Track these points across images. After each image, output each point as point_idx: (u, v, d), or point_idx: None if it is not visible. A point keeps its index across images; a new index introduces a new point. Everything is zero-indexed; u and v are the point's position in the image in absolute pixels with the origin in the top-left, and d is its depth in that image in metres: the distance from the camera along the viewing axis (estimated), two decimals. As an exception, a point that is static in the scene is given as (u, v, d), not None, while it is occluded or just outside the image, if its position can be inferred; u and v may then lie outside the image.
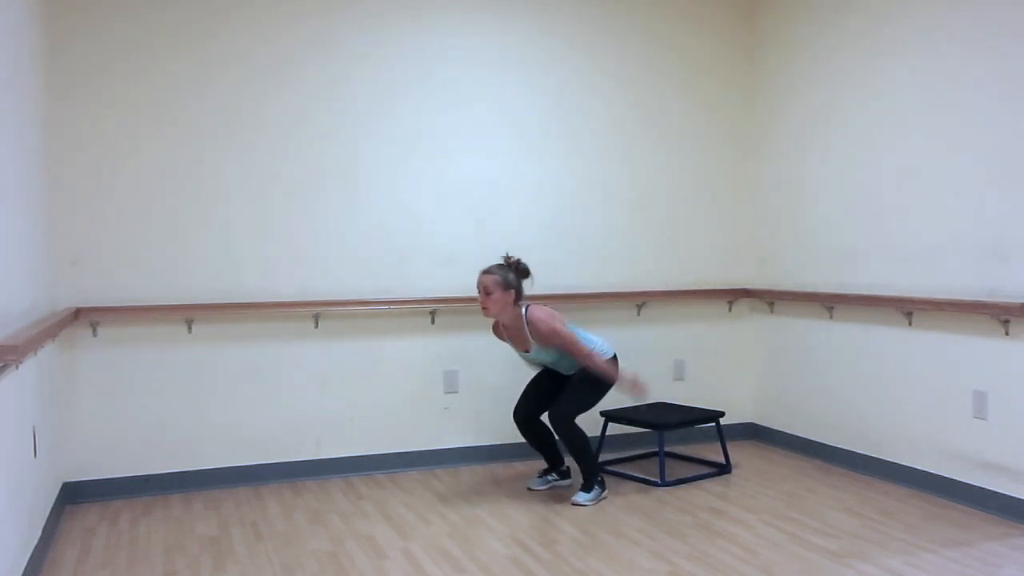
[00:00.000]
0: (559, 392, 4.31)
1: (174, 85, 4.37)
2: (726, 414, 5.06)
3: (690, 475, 4.56)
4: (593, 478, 4.17)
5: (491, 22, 4.90)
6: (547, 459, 4.43)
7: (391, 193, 4.74)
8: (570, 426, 4.12)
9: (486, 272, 4.16)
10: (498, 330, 4.37)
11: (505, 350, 4.95)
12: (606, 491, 4.22)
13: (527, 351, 4.24)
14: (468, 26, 4.86)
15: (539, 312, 4.14)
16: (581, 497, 4.12)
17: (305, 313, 4.58)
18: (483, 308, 4.17)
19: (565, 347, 4.11)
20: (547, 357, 4.25)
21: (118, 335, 4.30)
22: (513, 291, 4.16)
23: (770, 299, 5.23)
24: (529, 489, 4.35)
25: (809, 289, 4.98)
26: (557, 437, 4.23)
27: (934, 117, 4.17)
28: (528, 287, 4.29)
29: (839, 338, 4.77)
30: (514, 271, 4.20)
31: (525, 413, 4.37)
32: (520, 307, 4.19)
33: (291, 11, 4.54)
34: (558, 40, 5.03)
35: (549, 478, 4.42)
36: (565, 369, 4.34)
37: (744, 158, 5.44)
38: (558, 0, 5.02)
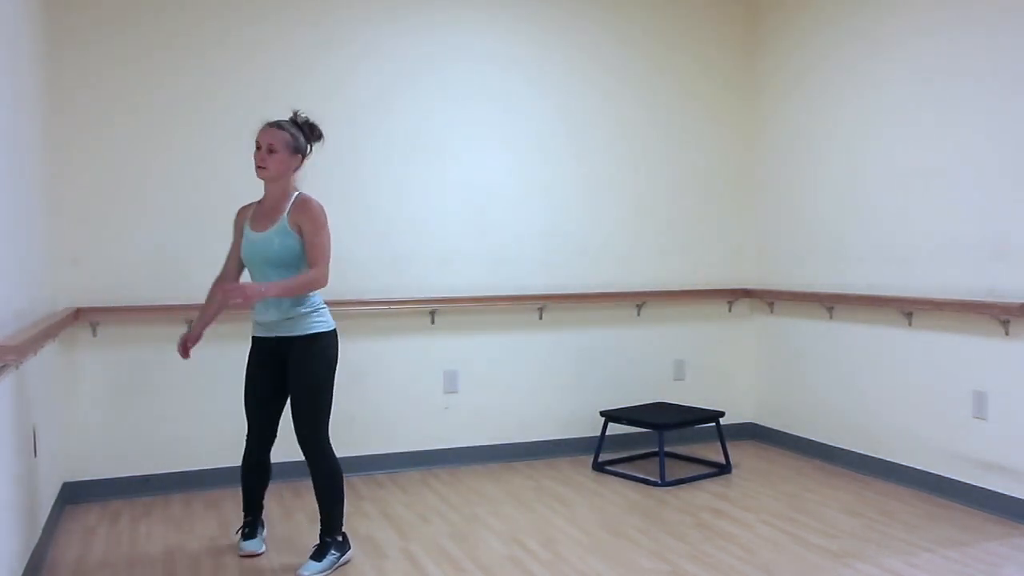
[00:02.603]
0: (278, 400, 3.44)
1: (174, 85, 4.36)
2: (726, 414, 5.07)
3: (690, 475, 4.56)
4: (333, 537, 3.32)
5: (492, 21, 4.90)
6: (257, 506, 3.59)
7: (391, 193, 4.74)
8: (326, 451, 3.36)
9: (275, 125, 3.33)
10: (241, 215, 3.53)
11: (506, 350, 4.95)
12: (348, 552, 3.38)
13: (263, 231, 3.35)
14: (469, 25, 4.86)
15: (317, 201, 3.40)
16: (309, 569, 3.23)
17: (305, 313, 4.57)
18: (259, 168, 3.31)
19: (318, 246, 3.35)
20: (270, 250, 3.33)
21: (118, 335, 4.30)
22: (300, 158, 3.39)
23: (770, 299, 5.23)
24: (244, 556, 3.48)
25: (809, 289, 4.98)
26: (311, 469, 3.38)
27: (935, 117, 4.17)
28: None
29: (839, 338, 4.77)
30: (306, 133, 3.41)
31: (260, 452, 3.54)
32: (295, 184, 3.42)
33: (291, 12, 4.54)
34: (559, 39, 5.03)
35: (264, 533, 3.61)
36: (273, 299, 3.32)
37: (744, 158, 5.44)
38: None
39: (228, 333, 4.47)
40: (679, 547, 3.51)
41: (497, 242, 4.93)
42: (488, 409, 4.94)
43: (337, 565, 3.31)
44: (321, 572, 3.24)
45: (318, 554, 3.29)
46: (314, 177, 4.59)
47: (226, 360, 4.47)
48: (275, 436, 3.52)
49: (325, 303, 3.55)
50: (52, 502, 3.81)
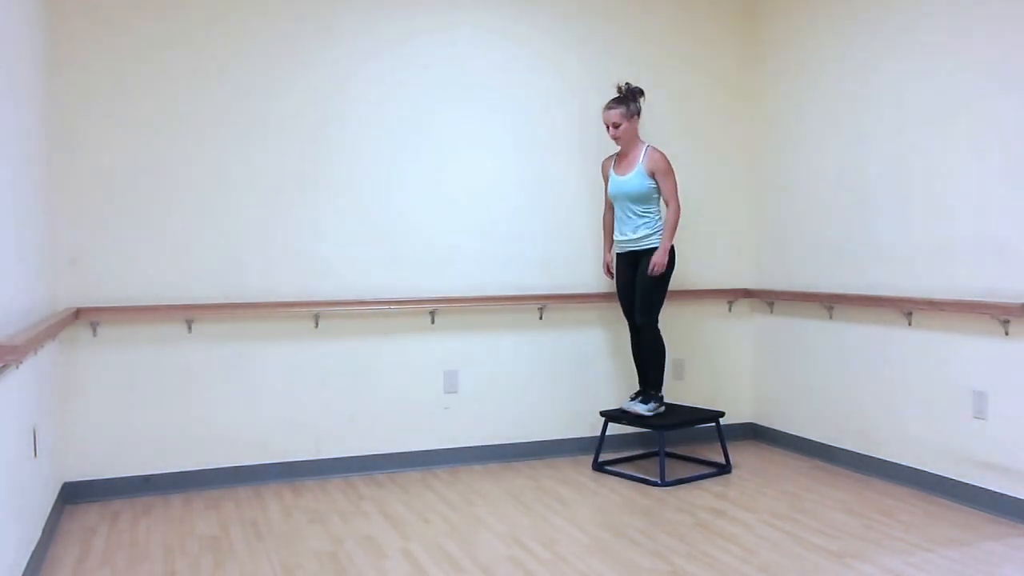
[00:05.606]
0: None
1: (174, 85, 4.36)
2: (726, 414, 5.07)
3: (690, 475, 4.56)
4: (656, 391, 4.65)
5: (493, 22, 4.90)
6: (641, 375, 4.78)
7: (391, 193, 4.74)
8: (655, 332, 4.62)
9: (608, 107, 4.59)
10: (605, 165, 4.79)
11: (506, 350, 4.96)
12: (662, 408, 4.65)
13: (624, 175, 4.60)
14: (469, 25, 4.86)
15: (662, 152, 4.60)
16: (637, 407, 4.58)
17: (305, 313, 4.58)
18: (614, 139, 4.63)
19: (668, 188, 4.54)
20: (632, 189, 4.57)
21: (118, 335, 4.30)
22: (637, 117, 4.62)
23: (770, 299, 5.23)
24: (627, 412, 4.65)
25: (809, 289, 4.98)
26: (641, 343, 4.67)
27: (935, 117, 4.17)
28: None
29: (839, 338, 4.77)
30: (631, 97, 4.59)
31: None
32: (642, 139, 4.67)
33: (292, 12, 4.55)
34: (560, 39, 5.04)
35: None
36: (631, 221, 4.62)
37: (744, 158, 5.44)
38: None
39: (228, 334, 4.47)
40: (679, 547, 3.51)
41: (497, 242, 4.93)
42: (488, 409, 4.95)
43: (656, 411, 4.59)
44: (645, 409, 4.56)
45: (644, 399, 4.62)
46: (314, 177, 4.61)
47: (226, 360, 4.47)
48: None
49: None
50: (52, 502, 3.81)
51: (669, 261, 4.58)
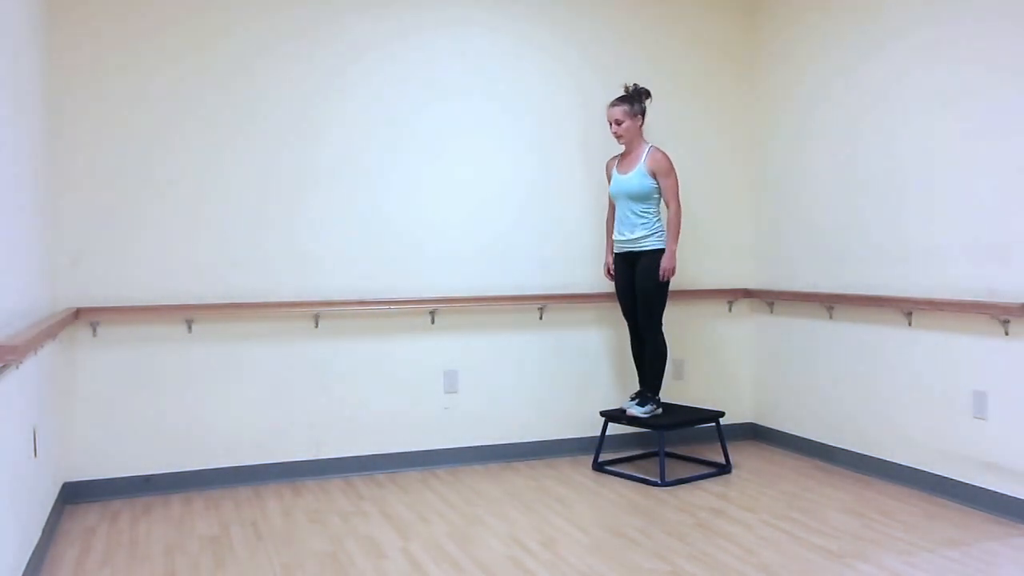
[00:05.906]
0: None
1: (174, 85, 4.37)
2: (726, 414, 5.07)
3: (690, 475, 4.56)
4: (654, 394, 4.66)
5: (496, 20, 4.90)
6: (641, 377, 4.82)
7: (391, 193, 4.74)
8: (657, 335, 4.62)
9: (612, 105, 4.61)
10: (609, 165, 4.78)
11: (506, 350, 4.96)
12: (659, 410, 4.67)
13: (626, 174, 4.59)
14: (468, 24, 4.86)
15: (665, 152, 4.61)
16: (635, 409, 4.60)
17: (305, 313, 4.58)
18: (616, 137, 4.63)
19: (669, 188, 4.54)
20: (632, 188, 4.55)
21: (118, 335, 4.30)
22: (641, 117, 4.63)
23: (770, 299, 5.23)
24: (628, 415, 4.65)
25: (809, 289, 4.98)
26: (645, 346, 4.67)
27: (935, 117, 4.17)
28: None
29: (839, 338, 4.77)
30: (636, 97, 4.61)
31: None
32: (645, 140, 4.67)
33: (290, 10, 4.55)
34: (560, 39, 5.04)
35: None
36: (629, 221, 4.59)
37: (744, 158, 5.44)
38: None
39: (228, 334, 4.47)
40: (679, 547, 3.51)
41: (497, 242, 4.93)
42: (488, 409, 4.95)
43: (652, 414, 4.60)
44: (642, 412, 4.57)
45: (641, 402, 4.62)
46: (315, 178, 4.61)
47: (226, 360, 4.47)
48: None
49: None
50: (52, 502, 3.81)
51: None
